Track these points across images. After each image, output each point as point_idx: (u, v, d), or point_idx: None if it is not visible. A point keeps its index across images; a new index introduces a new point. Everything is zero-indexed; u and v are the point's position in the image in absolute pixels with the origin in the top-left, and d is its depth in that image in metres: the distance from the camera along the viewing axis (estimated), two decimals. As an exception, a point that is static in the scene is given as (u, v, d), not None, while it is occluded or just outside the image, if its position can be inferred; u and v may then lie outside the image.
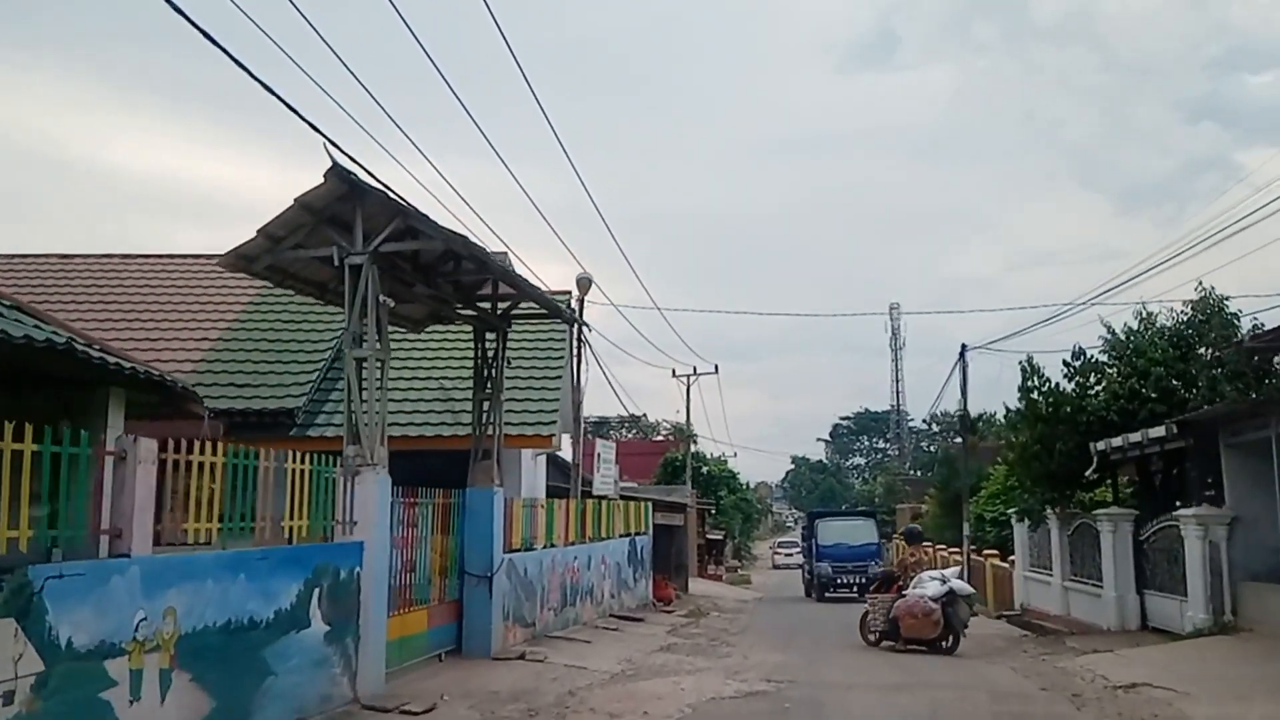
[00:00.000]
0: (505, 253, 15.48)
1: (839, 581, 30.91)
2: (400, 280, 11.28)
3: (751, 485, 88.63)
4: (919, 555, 16.23)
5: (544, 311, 13.78)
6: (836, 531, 32.29)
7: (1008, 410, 20.51)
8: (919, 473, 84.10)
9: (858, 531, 32.43)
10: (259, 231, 9.93)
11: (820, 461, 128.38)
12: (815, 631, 19.41)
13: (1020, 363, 20.24)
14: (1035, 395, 20.03)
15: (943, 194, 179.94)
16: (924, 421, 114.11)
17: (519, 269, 15.03)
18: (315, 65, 9.13)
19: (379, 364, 10.35)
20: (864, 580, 27.69)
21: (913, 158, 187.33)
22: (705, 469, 54.06)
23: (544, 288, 15.26)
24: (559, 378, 17.64)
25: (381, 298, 10.04)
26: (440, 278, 11.99)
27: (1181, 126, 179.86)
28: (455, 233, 10.10)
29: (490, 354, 13.63)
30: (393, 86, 15.36)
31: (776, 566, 60.55)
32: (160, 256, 20.48)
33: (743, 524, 67.86)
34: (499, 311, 13.70)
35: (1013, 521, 25.34)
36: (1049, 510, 20.56)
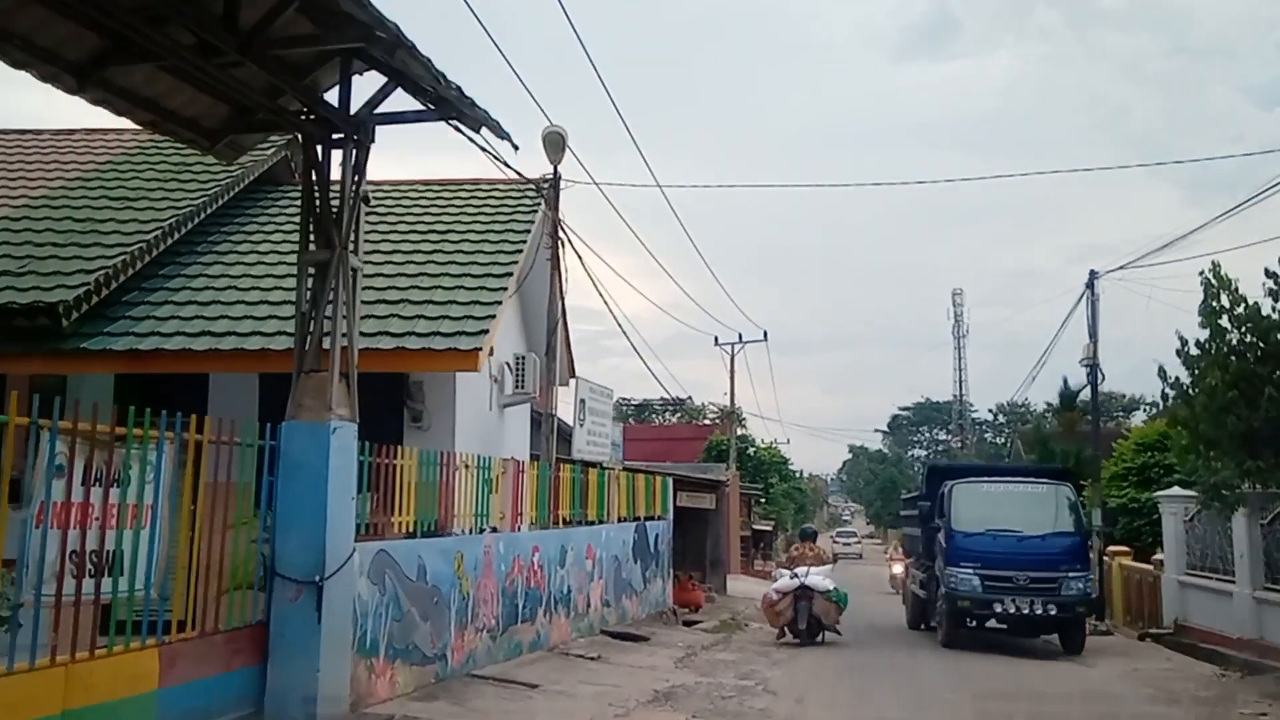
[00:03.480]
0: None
1: (1000, 608, 14.77)
2: None
3: (805, 475, 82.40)
4: (803, 551, 16.55)
5: (424, 108, 7.66)
6: (996, 507, 15.65)
7: (1183, 342, 14.02)
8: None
9: (1040, 509, 15.60)
10: None
11: (880, 451, 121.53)
12: (917, 683, 12.02)
13: (1202, 274, 13.77)
14: (1225, 321, 13.56)
15: (1001, 185, 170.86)
16: (990, 412, 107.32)
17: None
18: None
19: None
20: (1053, 611, 14.69)
21: (970, 148, 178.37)
22: (753, 450, 47.93)
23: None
24: (507, 274, 11.61)
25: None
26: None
27: (1255, 111, 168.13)
28: None
29: (333, 186, 7.66)
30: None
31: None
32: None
33: (795, 515, 61.66)
34: (352, 112, 7.72)
35: (1161, 508, 18.83)
36: (1246, 487, 14.04)
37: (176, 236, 11.69)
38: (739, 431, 45.31)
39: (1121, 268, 19.10)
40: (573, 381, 15.01)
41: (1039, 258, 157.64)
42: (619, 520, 15.61)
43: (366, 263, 11.88)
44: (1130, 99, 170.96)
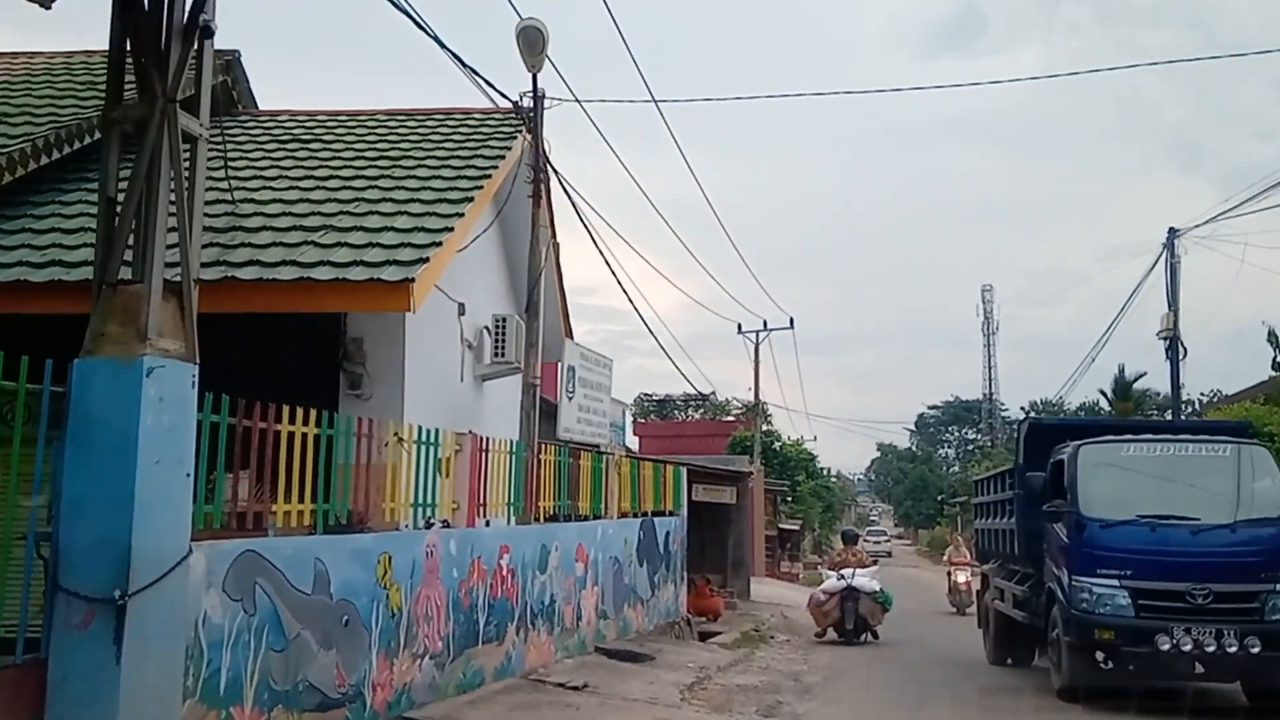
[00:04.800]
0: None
1: (1168, 643, 9.29)
2: None
3: (833, 473, 79.65)
4: (845, 556, 17.14)
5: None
6: (1152, 481, 10.21)
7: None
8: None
9: (1223, 482, 10.16)
10: None
11: (909, 450, 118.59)
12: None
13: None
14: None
15: (1027, 182, 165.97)
16: (1022, 410, 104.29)
17: None
18: None
19: None
20: (1254, 647, 9.24)
21: (997, 145, 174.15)
22: (779, 445, 45.35)
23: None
24: (466, 199, 9.16)
25: None
26: None
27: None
28: None
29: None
30: None
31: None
32: None
33: (823, 514, 58.88)
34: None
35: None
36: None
37: (55, 156, 9.32)
38: (764, 427, 42.76)
39: (1208, 222, 16.31)
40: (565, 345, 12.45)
41: (1067, 256, 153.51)
42: (620, 515, 13.15)
43: (291, 187, 9.60)
44: (1161, 95, 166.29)
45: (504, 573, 9.17)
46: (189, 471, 5.13)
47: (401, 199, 9.17)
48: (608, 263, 13.38)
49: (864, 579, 15.93)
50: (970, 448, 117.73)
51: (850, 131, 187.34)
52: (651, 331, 53.39)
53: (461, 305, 11.21)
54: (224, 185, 8.75)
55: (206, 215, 8.67)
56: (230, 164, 10.38)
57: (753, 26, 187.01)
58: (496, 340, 12.01)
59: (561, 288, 13.94)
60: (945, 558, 23.04)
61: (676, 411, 71.54)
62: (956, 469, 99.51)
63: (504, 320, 12.01)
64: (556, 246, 13.69)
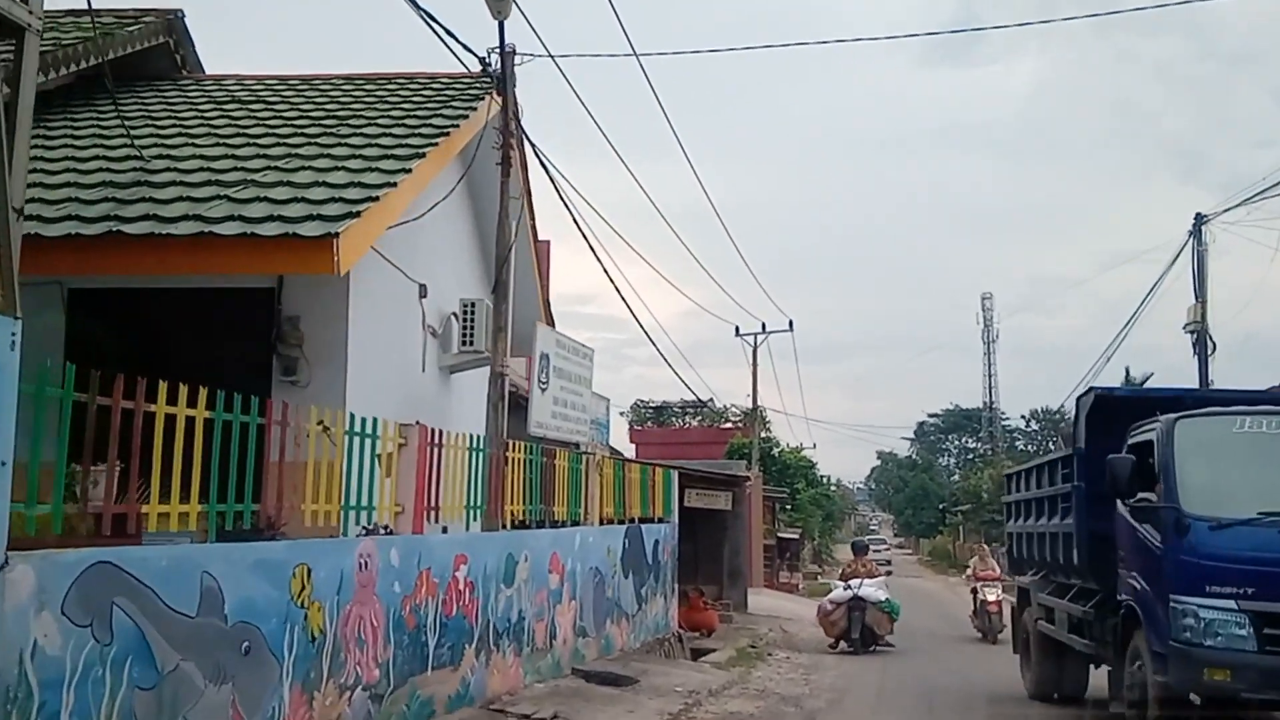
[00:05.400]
0: None
1: None
2: None
3: (834, 481, 78.53)
4: (855, 567, 17.05)
5: None
6: (1271, 469, 7.67)
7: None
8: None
9: None
10: None
11: (909, 458, 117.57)
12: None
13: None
14: None
15: (1026, 191, 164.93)
16: (1022, 418, 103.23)
17: None
18: None
19: None
20: None
21: (997, 153, 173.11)
22: (778, 452, 44.15)
23: None
24: (416, 156, 7.96)
25: None
26: None
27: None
28: None
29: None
30: None
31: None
32: None
33: (823, 523, 57.62)
34: None
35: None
36: None
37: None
38: (762, 433, 41.59)
39: (1240, 205, 15.12)
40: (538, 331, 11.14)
41: (1067, 263, 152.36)
42: (603, 522, 11.93)
43: (217, 144, 8.42)
44: (1160, 103, 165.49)
45: (460, 586, 7.96)
46: (5, 460, 3.93)
47: (341, 155, 7.99)
48: (599, 260, 12.29)
49: (870, 589, 16.07)
50: (971, 456, 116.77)
51: (850, 139, 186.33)
52: (650, 337, 52.19)
53: (423, 287, 10.02)
54: (131, 141, 7.55)
55: (109, 170, 7.53)
56: (156, 124, 9.23)
57: (752, 34, 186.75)
58: (464, 327, 10.83)
59: (543, 274, 12.79)
60: (969, 571, 19.64)
61: (674, 418, 70.26)
62: (957, 477, 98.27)
63: (473, 305, 10.82)
64: (543, 242, 12.54)
